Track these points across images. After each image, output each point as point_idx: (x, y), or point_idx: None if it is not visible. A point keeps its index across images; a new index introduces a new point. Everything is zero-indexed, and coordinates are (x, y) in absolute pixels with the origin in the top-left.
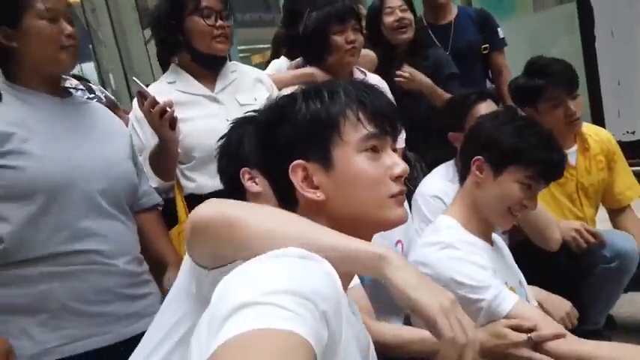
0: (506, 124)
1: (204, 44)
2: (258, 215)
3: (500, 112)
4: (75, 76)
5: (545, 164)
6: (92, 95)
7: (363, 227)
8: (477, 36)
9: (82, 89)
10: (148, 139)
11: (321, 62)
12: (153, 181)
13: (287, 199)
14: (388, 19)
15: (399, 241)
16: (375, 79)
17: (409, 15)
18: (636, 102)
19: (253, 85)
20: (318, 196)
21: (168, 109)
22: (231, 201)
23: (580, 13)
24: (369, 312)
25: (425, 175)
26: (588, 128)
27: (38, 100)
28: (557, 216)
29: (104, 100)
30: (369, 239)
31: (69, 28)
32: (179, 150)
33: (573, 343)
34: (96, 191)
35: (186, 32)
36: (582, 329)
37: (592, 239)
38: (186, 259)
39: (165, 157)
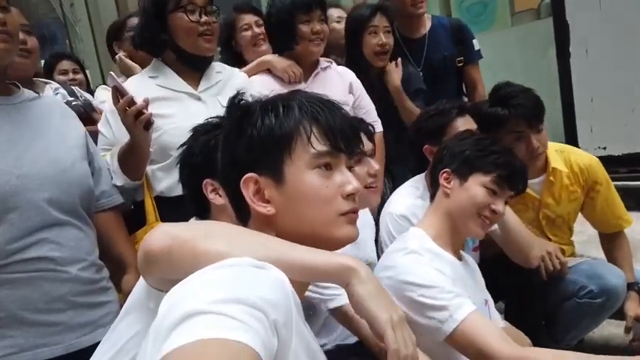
0: (468, 138)
1: (190, 43)
2: (216, 236)
3: (465, 132)
4: (79, 65)
5: (507, 168)
6: (72, 98)
7: (312, 244)
8: (451, 49)
9: (62, 92)
10: (120, 134)
11: (288, 51)
12: (119, 179)
13: (241, 211)
14: (371, 41)
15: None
16: (341, 70)
17: (391, 40)
18: (608, 118)
19: (239, 88)
20: (268, 210)
21: (145, 111)
22: (182, 225)
23: (556, 29)
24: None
25: (392, 190)
26: (573, 154)
27: None
28: None
29: (81, 102)
30: None
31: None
32: (154, 147)
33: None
34: (46, 199)
35: (171, 30)
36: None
37: (557, 267)
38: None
39: (136, 156)
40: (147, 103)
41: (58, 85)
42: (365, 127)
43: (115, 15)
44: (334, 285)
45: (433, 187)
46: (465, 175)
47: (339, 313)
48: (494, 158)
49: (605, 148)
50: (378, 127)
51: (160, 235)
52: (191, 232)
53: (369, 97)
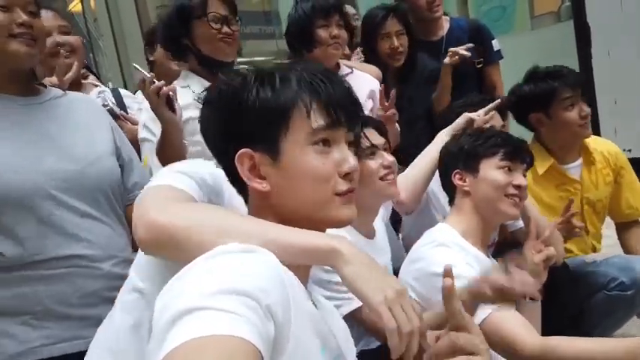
0: (460, 136)
1: (210, 48)
2: (211, 219)
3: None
4: (95, 76)
5: (508, 144)
6: (105, 103)
7: (307, 223)
8: (470, 51)
9: (103, 96)
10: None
11: (306, 55)
12: None
13: (239, 186)
14: (384, 45)
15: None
16: (362, 76)
17: (405, 41)
18: (632, 120)
19: None
20: (263, 187)
21: (164, 88)
22: (169, 209)
23: (577, 32)
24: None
25: None
26: (595, 142)
27: (5, 102)
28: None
29: (109, 106)
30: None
31: (23, 17)
32: (191, 150)
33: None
34: (74, 197)
35: (193, 37)
36: None
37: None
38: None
39: (168, 143)
40: (170, 87)
41: (105, 88)
42: (376, 122)
43: (138, 29)
44: (344, 290)
45: (449, 192)
46: (474, 167)
47: (353, 318)
48: (493, 141)
49: (630, 151)
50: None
51: (147, 226)
52: (177, 221)
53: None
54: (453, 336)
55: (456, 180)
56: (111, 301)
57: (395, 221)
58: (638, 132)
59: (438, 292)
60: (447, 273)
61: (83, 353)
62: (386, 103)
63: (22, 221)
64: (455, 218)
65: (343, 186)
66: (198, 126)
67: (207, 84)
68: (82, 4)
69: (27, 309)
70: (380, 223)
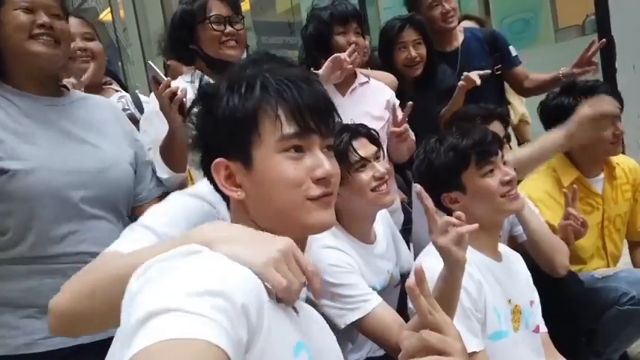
0: (423, 157)
1: (214, 50)
2: (92, 274)
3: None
4: (119, 83)
5: (473, 143)
6: (126, 107)
7: (284, 230)
8: (486, 59)
9: (124, 100)
10: (164, 132)
11: (324, 61)
12: (163, 172)
13: (222, 195)
14: (401, 55)
15: (396, 262)
16: (379, 86)
17: (422, 50)
18: None
19: None
20: (238, 194)
21: (178, 92)
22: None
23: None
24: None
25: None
26: (617, 157)
27: (29, 101)
28: (587, 249)
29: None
30: (302, 241)
31: (44, 19)
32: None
33: None
34: (87, 197)
35: (198, 40)
36: None
37: None
38: None
39: (175, 145)
40: (182, 90)
41: (124, 94)
42: (367, 131)
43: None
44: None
45: (446, 212)
46: (458, 184)
47: (358, 327)
48: (460, 151)
49: None
50: (412, 138)
51: (51, 317)
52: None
53: (401, 111)
54: (424, 334)
55: (448, 203)
56: None
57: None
58: None
59: None
60: (417, 272)
61: (86, 346)
62: (398, 120)
63: (39, 216)
64: None
65: (316, 191)
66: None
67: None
68: (112, 14)
69: (32, 302)
70: (385, 231)
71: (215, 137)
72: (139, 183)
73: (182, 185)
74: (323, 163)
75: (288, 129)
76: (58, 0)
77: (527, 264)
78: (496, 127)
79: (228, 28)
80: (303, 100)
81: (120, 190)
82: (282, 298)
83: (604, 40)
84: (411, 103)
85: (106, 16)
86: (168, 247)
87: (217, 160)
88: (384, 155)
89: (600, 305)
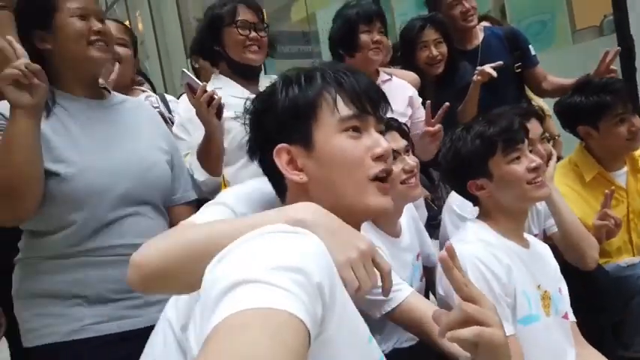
0: (449, 145)
1: (238, 53)
2: (185, 238)
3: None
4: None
5: (499, 131)
6: (155, 105)
7: (345, 212)
8: (506, 57)
9: (151, 100)
10: (198, 138)
11: (348, 59)
12: (200, 175)
13: (277, 184)
14: (422, 54)
15: (418, 254)
16: (401, 84)
17: (443, 49)
18: None
19: None
20: (300, 178)
21: (215, 96)
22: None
23: (620, 44)
24: None
25: (448, 193)
26: (638, 152)
27: (76, 104)
28: (613, 242)
29: (159, 108)
30: (357, 227)
31: (98, 25)
32: (227, 148)
33: None
34: (131, 193)
35: (223, 43)
36: (623, 355)
37: None
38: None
39: (212, 148)
40: (216, 94)
41: (151, 93)
42: (399, 125)
43: (183, 51)
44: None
45: (469, 196)
46: (485, 171)
47: (392, 317)
48: (486, 138)
49: None
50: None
51: (134, 269)
52: (159, 253)
53: (423, 110)
54: (463, 305)
55: (474, 190)
56: None
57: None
58: None
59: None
60: (448, 248)
61: (132, 332)
62: (432, 120)
63: (85, 214)
64: (483, 217)
65: (376, 168)
66: (230, 124)
67: (237, 86)
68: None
69: (78, 293)
70: (409, 222)
71: (275, 127)
72: (174, 183)
73: (217, 189)
74: (380, 141)
75: (348, 111)
76: (99, 6)
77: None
78: (533, 124)
79: (253, 34)
80: (359, 86)
81: (159, 188)
82: (350, 295)
83: (619, 48)
84: (429, 102)
85: None
86: (264, 221)
87: (279, 145)
88: (412, 149)
89: (627, 294)
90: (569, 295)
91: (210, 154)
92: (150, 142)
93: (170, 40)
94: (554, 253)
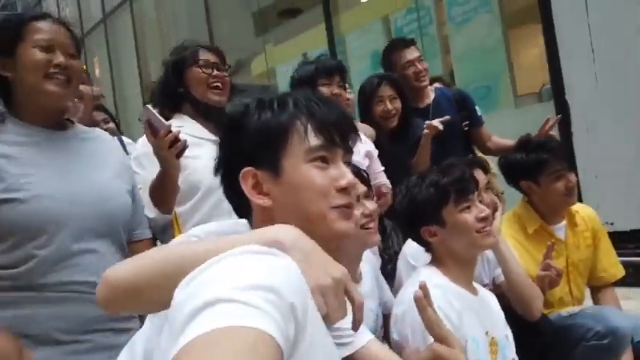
0: (405, 192)
1: (201, 92)
2: (159, 256)
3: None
4: (109, 114)
5: (453, 183)
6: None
7: (309, 237)
8: (455, 115)
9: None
10: (152, 173)
11: None
12: (150, 211)
13: (241, 207)
14: (378, 108)
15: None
16: (369, 145)
17: (398, 104)
18: (614, 194)
19: None
20: (264, 202)
21: (180, 137)
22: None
23: (557, 110)
24: None
25: (400, 244)
26: (576, 205)
27: (36, 133)
28: (555, 294)
29: None
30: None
31: (60, 59)
32: (182, 187)
33: None
34: (89, 227)
35: (187, 83)
36: None
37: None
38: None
39: (166, 187)
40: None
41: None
42: (357, 170)
43: (140, 96)
44: (346, 331)
45: (425, 247)
46: (438, 219)
47: None
48: (440, 188)
49: (612, 224)
50: (388, 186)
51: (102, 286)
52: (129, 272)
53: (379, 162)
54: (435, 345)
55: (427, 236)
56: (106, 330)
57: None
58: (619, 205)
59: (412, 333)
60: (422, 286)
61: None
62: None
63: (38, 245)
64: (435, 261)
65: (340, 200)
66: (185, 162)
67: (198, 126)
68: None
69: (22, 331)
70: (368, 269)
71: (243, 149)
72: (134, 217)
73: (166, 228)
74: (346, 173)
75: (316, 141)
76: (74, 39)
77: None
78: (479, 174)
79: (215, 72)
80: (330, 116)
81: (120, 219)
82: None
83: (559, 116)
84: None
85: None
86: (239, 242)
87: (246, 168)
88: (373, 196)
89: (569, 343)
90: (517, 343)
91: (165, 191)
92: (111, 173)
93: (127, 85)
94: (501, 301)
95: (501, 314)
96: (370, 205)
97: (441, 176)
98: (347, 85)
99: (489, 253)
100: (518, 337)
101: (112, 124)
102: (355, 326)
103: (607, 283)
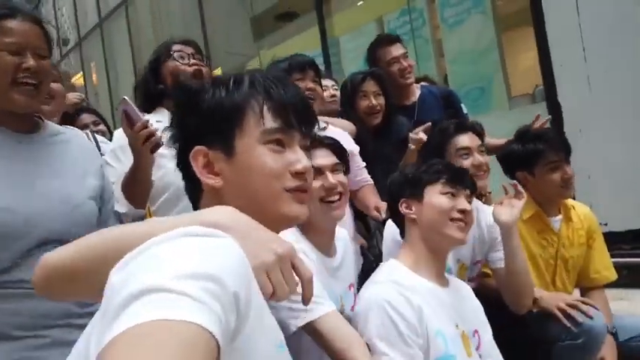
0: (403, 170)
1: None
2: (97, 239)
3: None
4: (99, 117)
5: (449, 171)
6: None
7: (258, 218)
8: (440, 113)
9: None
10: (127, 166)
11: None
12: (122, 206)
13: (192, 186)
14: (362, 103)
15: (351, 285)
16: (337, 132)
17: (382, 101)
18: (607, 194)
19: None
20: (215, 182)
21: (156, 134)
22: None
23: (550, 111)
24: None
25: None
26: (574, 203)
27: (2, 136)
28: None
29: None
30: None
31: (30, 63)
32: (155, 184)
33: None
34: (51, 234)
35: (164, 78)
36: None
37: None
38: None
39: (139, 181)
40: (157, 131)
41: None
42: (333, 142)
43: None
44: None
45: (399, 224)
46: (418, 194)
47: (309, 331)
48: (435, 168)
49: (606, 224)
50: (369, 181)
51: (38, 269)
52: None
53: (360, 158)
54: None
55: (403, 208)
56: (66, 326)
57: None
58: (612, 206)
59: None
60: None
61: None
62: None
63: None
64: (404, 252)
65: (293, 183)
66: (161, 161)
67: None
68: (84, 78)
69: None
70: (346, 252)
71: (196, 127)
72: (104, 220)
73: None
74: (302, 158)
75: (273, 123)
76: (45, 38)
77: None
78: (471, 136)
79: (192, 61)
80: (287, 98)
81: (87, 227)
82: (267, 300)
83: (549, 117)
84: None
85: (78, 79)
86: (178, 224)
87: (197, 147)
88: (347, 171)
89: (548, 341)
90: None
91: (137, 184)
92: (81, 180)
93: (123, 89)
94: (482, 295)
95: (476, 308)
96: (332, 179)
97: (439, 163)
98: (334, 82)
99: (486, 234)
100: (506, 331)
101: (102, 126)
102: (305, 301)
103: (598, 285)
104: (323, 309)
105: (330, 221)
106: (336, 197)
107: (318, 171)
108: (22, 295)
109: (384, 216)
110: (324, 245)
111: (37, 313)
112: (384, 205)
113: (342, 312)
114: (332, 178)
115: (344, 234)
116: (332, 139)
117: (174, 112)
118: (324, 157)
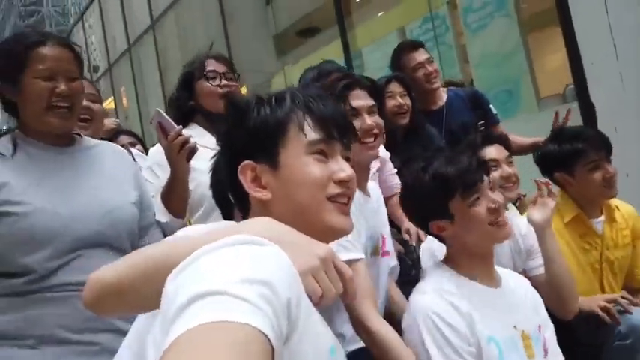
0: (413, 183)
1: (211, 104)
2: (146, 250)
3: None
4: (136, 137)
5: (459, 174)
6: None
7: (305, 231)
8: (469, 115)
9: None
10: (164, 181)
11: None
12: (163, 216)
13: (241, 202)
14: (389, 103)
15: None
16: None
17: (408, 101)
18: None
19: None
20: (264, 195)
21: (190, 140)
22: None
23: (582, 110)
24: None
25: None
26: (616, 202)
27: (41, 151)
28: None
29: None
30: None
31: (62, 87)
32: (192, 196)
33: None
34: (89, 236)
35: (197, 96)
36: None
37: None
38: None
39: (177, 190)
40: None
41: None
42: (371, 83)
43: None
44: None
45: (438, 238)
46: (446, 212)
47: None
48: (445, 177)
49: None
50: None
51: (88, 287)
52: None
53: (392, 164)
54: None
55: (436, 231)
56: (116, 331)
57: None
58: None
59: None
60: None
61: None
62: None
63: (38, 257)
64: (449, 258)
65: (336, 189)
66: (195, 175)
67: (210, 137)
68: (115, 103)
69: (31, 332)
70: (376, 193)
71: (243, 144)
72: (142, 227)
73: None
74: (345, 168)
75: (315, 136)
76: (77, 61)
77: None
78: (498, 148)
79: (224, 82)
80: (327, 112)
81: (122, 230)
82: (315, 304)
83: (570, 108)
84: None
85: (109, 104)
86: (219, 237)
87: (245, 162)
88: (380, 112)
89: (595, 344)
90: None
91: (175, 194)
92: (117, 185)
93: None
94: None
95: (537, 302)
96: (369, 120)
97: (445, 166)
98: None
99: (521, 244)
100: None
101: (139, 147)
102: (349, 297)
103: None
104: (351, 255)
105: (369, 158)
106: (372, 139)
107: (356, 112)
108: (67, 298)
109: (414, 244)
110: (362, 185)
111: (84, 316)
112: (414, 232)
113: (376, 253)
114: (369, 119)
115: (374, 185)
116: (369, 79)
117: (223, 129)
118: (361, 99)
